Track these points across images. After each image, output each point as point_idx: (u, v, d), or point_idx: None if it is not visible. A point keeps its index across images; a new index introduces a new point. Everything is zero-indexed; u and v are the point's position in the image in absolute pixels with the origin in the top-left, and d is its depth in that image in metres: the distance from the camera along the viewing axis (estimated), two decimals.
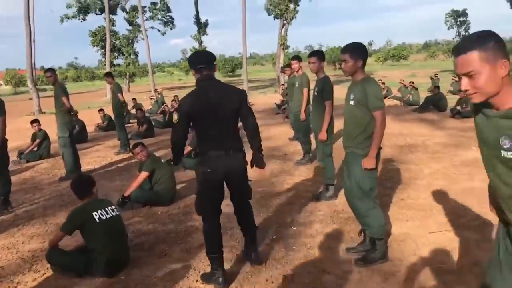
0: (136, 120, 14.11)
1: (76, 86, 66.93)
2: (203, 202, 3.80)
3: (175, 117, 3.56)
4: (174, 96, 19.11)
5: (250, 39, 31.89)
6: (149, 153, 6.22)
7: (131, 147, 6.40)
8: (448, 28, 45.96)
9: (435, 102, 14.84)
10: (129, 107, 16.71)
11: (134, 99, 20.06)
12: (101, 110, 15.49)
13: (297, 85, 8.03)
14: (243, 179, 3.91)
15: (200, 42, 43.15)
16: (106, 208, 4.07)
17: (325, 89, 5.73)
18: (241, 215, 4.09)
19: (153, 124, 13.95)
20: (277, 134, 11.73)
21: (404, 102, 17.17)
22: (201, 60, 3.68)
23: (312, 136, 7.09)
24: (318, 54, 5.85)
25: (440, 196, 5.79)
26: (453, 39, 50.39)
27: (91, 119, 16.24)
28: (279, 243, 4.54)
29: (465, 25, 45.62)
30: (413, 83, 17.71)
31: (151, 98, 22.45)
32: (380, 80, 22.46)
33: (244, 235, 4.19)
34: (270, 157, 8.82)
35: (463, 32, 45.99)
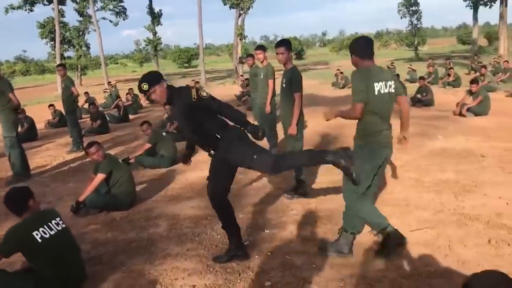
0: (89, 116, 13.36)
1: (25, 80, 63.95)
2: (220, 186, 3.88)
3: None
4: (129, 89, 18.34)
5: (205, 29, 31.30)
6: (105, 153, 5.70)
7: (85, 146, 5.83)
8: (401, 17, 46.33)
9: None
10: (81, 102, 15.85)
11: (86, 93, 19.11)
12: (51, 105, 14.60)
13: (262, 76, 7.67)
14: None
15: (154, 33, 42.02)
16: (49, 223, 3.49)
17: (293, 80, 5.34)
18: None
19: (108, 119, 13.28)
20: None
21: None
22: (146, 84, 3.63)
23: (280, 129, 6.74)
24: (285, 44, 5.42)
25: (414, 189, 5.59)
26: (405, 28, 51.18)
27: (41, 115, 15.31)
28: (253, 249, 4.17)
29: (417, 14, 46.23)
30: None
31: (105, 92, 21.50)
32: (338, 69, 22.44)
33: None
34: None
35: (415, 21, 46.63)
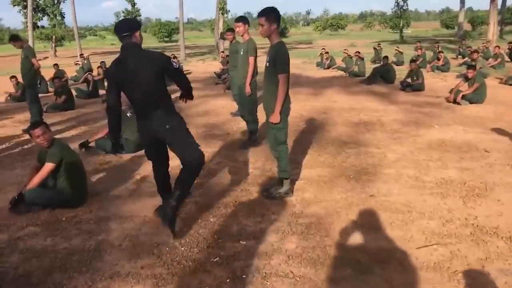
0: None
1: None
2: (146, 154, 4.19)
3: (106, 83, 3.52)
4: (101, 62, 17.17)
5: (187, 3, 29.95)
6: (53, 138, 4.73)
7: (28, 127, 4.77)
8: None
9: (383, 74, 14.07)
10: (45, 75, 14.57)
11: (55, 65, 17.87)
12: (13, 77, 13.35)
13: (242, 53, 6.76)
14: (172, 137, 3.78)
15: (133, 4, 40.42)
16: None
17: (278, 58, 4.41)
18: (180, 172, 3.87)
19: (76, 94, 12.21)
20: (217, 108, 10.42)
21: (349, 73, 16.33)
22: (123, 29, 3.66)
23: (261, 113, 5.86)
24: (267, 13, 4.42)
25: (415, 191, 4.81)
26: (391, 9, 50.17)
27: (3, 87, 14.14)
28: (223, 268, 3.34)
29: None
30: (359, 53, 16.84)
31: (76, 64, 20.25)
32: (324, 49, 21.56)
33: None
34: (209, 137, 7.56)
35: (401, 3, 45.69)
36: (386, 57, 14.68)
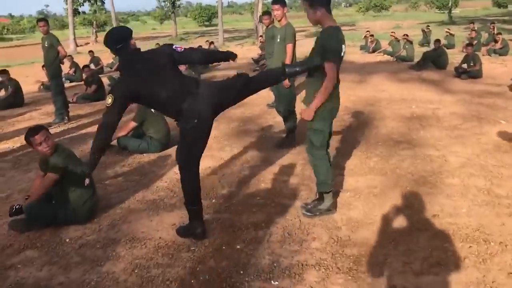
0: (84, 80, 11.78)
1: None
2: (188, 153, 3.49)
3: (109, 100, 3.23)
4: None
5: None
6: (56, 144, 4.10)
7: (27, 133, 4.13)
8: None
9: (435, 59, 12.87)
10: (67, 64, 14.08)
11: (91, 52, 17.54)
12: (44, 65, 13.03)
13: (278, 39, 5.94)
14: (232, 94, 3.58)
15: None
16: None
17: (325, 46, 3.61)
18: None
19: (109, 82, 11.74)
20: (253, 98, 9.49)
21: (396, 58, 15.16)
22: (116, 40, 3.33)
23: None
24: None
25: (489, 210, 3.91)
26: None
27: (36, 76, 13.88)
28: None
29: None
30: (407, 35, 15.62)
31: None
32: (368, 31, 20.34)
33: None
34: (242, 133, 6.83)
35: None
36: (438, 40, 13.41)
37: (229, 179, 4.95)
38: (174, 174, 5.09)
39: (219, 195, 4.50)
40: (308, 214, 3.91)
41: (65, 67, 12.23)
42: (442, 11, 59.67)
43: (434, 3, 67.25)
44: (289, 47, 5.70)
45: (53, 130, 7.75)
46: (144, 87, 3.28)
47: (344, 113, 7.71)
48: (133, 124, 6.09)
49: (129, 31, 3.39)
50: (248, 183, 4.81)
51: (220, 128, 6.98)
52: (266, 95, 9.60)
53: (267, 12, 8.15)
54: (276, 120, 7.29)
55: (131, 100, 3.43)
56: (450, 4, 43.60)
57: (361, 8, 79.09)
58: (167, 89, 3.29)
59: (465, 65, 11.15)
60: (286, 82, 5.70)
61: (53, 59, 8.18)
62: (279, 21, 5.84)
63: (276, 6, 5.71)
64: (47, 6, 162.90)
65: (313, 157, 3.84)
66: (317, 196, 4.02)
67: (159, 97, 3.32)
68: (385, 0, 78.93)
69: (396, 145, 5.82)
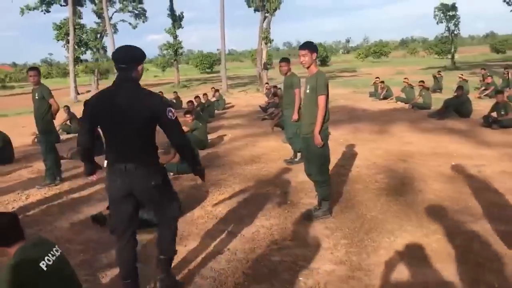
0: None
1: (46, 83, 62.22)
2: (115, 217, 3.29)
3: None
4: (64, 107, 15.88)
5: (228, 35, 28.95)
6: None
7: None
8: (437, 23, 42.80)
9: (457, 106, 12.02)
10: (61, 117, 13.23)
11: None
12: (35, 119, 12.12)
13: (308, 90, 4.96)
14: (152, 196, 3.17)
15: (175, 36, 39.63)
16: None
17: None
18: (158, 234, 3.44)
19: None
20: (267, 152, 8.69)
21: (413, 105, 14.34)
22: (123, 58, 3.05)
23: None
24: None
25: None
26: (441, 34, 47.44)
27: (32, 127, 12.92)
28: None
29: (455, 19, 42.70)
30: (423, 82, 14.85)
31: None
32: (378, 78, 19.63)
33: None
34: (262, 198, 5.77)
35: (452, 27, 43.08)
36: (461, 87, 12.58)
37: (252, 273, 3.88)
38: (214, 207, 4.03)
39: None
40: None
41: (61, 118, 11.34)
42: (441, 57, 59.87)
43: (433, 49, 67.70)
44: (322, 99, 4.75)
45: (41, 194, 6.75)
46: (105, 114, 3.04)
47: (375, 171, 6.73)
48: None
49: (143, 55, 3.14)
50: (277, 277, 3.74)
51: (235, 188, 5.98)
52: (281, 148, 8.70)
53: (285, 59, 7.37)
54: (298, 181, 6.31)
55: (94, 121, 3.15)
56: (452, 50, 43.34)
57: (360, 54, 79.80)
58: (121, 137, 3.04)
59: (494, 113, 10.28)
60: (318, 141, 4.73)
61: (44, 113, 7.21)
62: (307, 68, 4.93)
63: (304, 52, 4.81)
64: (50, 54, 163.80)
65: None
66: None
67: (110, 136, 3.12)
68: (384, 46, 79.83)
69: (456, 215, 4.79)
